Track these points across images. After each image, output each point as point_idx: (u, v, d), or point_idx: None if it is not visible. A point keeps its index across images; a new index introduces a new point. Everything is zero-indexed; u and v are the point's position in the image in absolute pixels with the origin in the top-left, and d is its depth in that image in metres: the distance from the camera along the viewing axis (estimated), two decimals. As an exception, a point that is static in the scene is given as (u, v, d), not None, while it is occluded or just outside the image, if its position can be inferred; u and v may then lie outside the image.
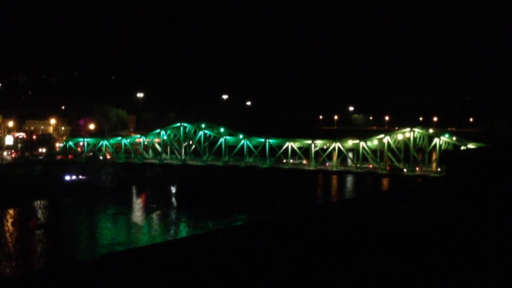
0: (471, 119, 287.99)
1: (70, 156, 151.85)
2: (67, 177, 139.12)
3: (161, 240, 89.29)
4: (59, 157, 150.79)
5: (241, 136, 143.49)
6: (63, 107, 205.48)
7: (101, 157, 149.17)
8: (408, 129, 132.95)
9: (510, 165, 10.31)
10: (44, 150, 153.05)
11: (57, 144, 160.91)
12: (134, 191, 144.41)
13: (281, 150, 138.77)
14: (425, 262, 6.64)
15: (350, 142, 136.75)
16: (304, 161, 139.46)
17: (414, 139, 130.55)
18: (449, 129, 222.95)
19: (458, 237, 7.74)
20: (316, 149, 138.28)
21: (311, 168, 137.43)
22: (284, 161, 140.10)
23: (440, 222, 8.54)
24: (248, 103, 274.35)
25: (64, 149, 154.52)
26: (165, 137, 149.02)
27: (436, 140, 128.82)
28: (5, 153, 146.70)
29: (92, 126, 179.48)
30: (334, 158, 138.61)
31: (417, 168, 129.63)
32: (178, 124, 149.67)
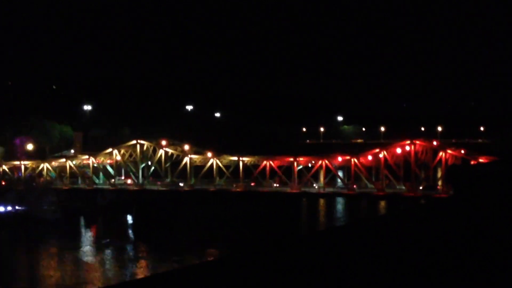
0: (481, 128, 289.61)
1: (3, 182, 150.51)
2: (1, 208, 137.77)
3: (117, 281, 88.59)
4: None
5: (209, 155, 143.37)
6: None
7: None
8: (408, 141, 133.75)
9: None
10: None
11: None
12: (82, 222, 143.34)
13: (258, 170, 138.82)
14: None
15: (339, 159, 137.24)
16: (129, 181, 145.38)
17: (415, 153, 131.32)
18: (455, 140, 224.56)
19: (470, 268, 7.84)
20: (300, 167, 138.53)
21: (293, 190, 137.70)
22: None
23: (447, 251, 8.63)
24: (217, 114, 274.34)
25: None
26: (118, 158, 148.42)
27: (441, 153, 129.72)
28: None
29: (30, 146, 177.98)
30: (321, 178, 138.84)
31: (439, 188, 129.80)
32: (134, 142, 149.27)
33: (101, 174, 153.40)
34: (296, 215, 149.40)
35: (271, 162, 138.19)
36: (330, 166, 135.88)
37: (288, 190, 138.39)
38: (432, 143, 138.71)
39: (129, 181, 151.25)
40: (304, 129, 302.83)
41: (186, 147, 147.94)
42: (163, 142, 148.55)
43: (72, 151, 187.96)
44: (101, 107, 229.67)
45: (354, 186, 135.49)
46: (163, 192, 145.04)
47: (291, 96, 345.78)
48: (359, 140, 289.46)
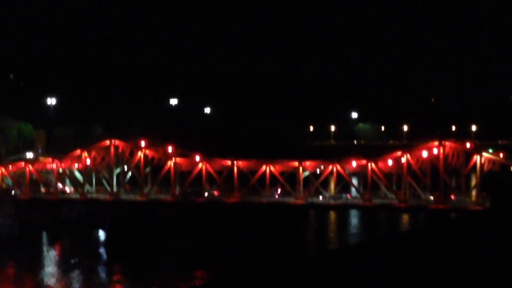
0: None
1: None
2: None
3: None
4: None
5: (197, 158, 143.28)
6: None
7: None
8: (436, 143, 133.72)
9: None
10: None
11: None
12: (45, 239, 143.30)
13: (256, 177, 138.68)
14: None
15: (354, 163, 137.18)
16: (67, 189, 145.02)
17: (445, 157, 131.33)
18: (494, 142, 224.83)
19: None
20: (306, 174, 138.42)
21: (298, 201, 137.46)
22: None
23: (483, 279, 8.69)
24: (207, 109, 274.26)
25: None
26: (88, 162, 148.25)
27: (476, 157, 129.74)
28: None
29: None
30: (332, 186, 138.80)
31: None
32: (107, 143, 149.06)
33: (68, 181, 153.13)
34: (302, 231, 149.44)
35: (271, 167, 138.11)
36: (342, 172, 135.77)
37: (292, 201, 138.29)
38: (465, 145, 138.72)
39: (67, 189, 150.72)
40: (311, 128, 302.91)
41: (170, 149, 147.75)
42: (142, 143, 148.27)
43: (32, 154, 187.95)
44: (67, 100, 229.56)
45: (368, 196, 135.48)
46: (142, 203, 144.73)
47: (296, 88, 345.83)
48: (377, 142, 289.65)
